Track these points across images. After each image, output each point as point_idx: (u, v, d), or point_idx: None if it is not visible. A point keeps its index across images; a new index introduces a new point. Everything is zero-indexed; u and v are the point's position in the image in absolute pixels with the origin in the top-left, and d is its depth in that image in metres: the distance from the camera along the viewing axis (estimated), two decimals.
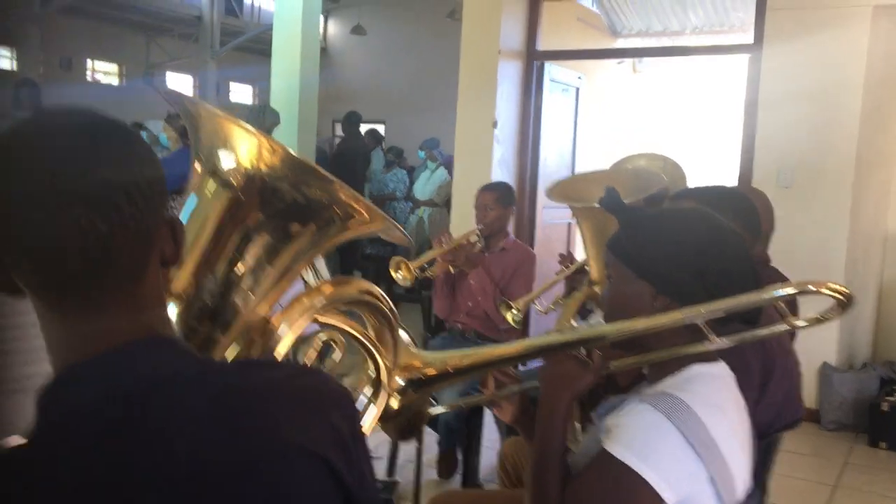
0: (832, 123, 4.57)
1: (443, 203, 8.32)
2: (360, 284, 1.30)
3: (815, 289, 1.31)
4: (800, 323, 1.36)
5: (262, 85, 14.67)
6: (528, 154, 5.61)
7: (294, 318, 1.21)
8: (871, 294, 5.09)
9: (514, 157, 5.59)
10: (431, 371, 1.49)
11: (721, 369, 1.43)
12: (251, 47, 14.52)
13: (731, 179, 5.06)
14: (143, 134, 8.08)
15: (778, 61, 4.69)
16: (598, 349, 1.51)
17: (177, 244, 0.91)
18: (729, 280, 1.37)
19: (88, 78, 14.47)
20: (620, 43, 6.81)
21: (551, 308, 3.53)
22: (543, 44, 5.67)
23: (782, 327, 1.38)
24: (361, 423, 0.97)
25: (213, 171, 1.14)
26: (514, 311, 3.41)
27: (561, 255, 3.35)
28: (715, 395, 1.37)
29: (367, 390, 1.37)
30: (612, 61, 6.85)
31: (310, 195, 1.16)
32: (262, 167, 1.12)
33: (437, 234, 7.99)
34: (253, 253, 1.15)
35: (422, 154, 8.52)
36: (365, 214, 1.20)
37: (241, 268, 1.15)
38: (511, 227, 3.88)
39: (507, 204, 3.79)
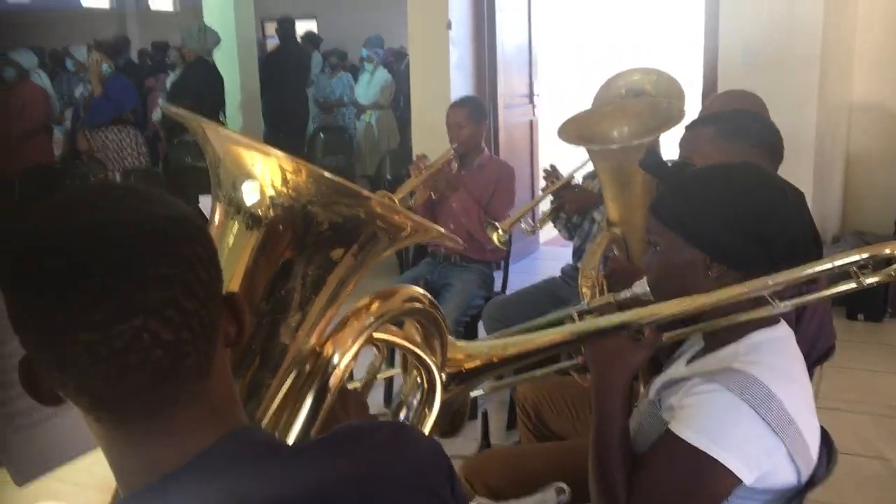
0: None
1: (388, 105, 8.09)
2: (405, 292, 1.20)
3: (890, 252, 1.23)
4: (870, 280, 1.29)
5: None
6: (484, 54, 5.39)
7: (346, 342, 1.11)
8: (839, 166, 5.11)
9: (471, 58, 5.37)
10: (474, 364, 1.41)
11: (783, 331, 1.37)
12: None
13: (696, 61, 4.94)
14: (69, 62, 7.61)
15: None
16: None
17: (240, 323, 0.80)
18: (794, 249, 1.29)
19: None
20: None
21: (538, 226, 3.47)
22: None
23: (850, 286, 1.31)
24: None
25: (239, 207, 1.00)
26: (500, 232, 3.33)
27: (545, 171, 3.25)
28: (784, 363, 1.31)
29: (417, 397, 1.29)
30: None
31: (346, 213, 1.03)
32: (291, 192, 0.99)
33: (386, 138, 7.86)
34: (296, 286, 1.04)
35: (365, 53, 8.18)
36: (407, 225, 1.08)
37: (285, 305, 1.04)
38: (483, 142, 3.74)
39: (480, 119, 3.64)
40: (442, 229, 1.12)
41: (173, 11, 15.38)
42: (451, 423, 1.44)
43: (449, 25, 5.11)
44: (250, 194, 0.99)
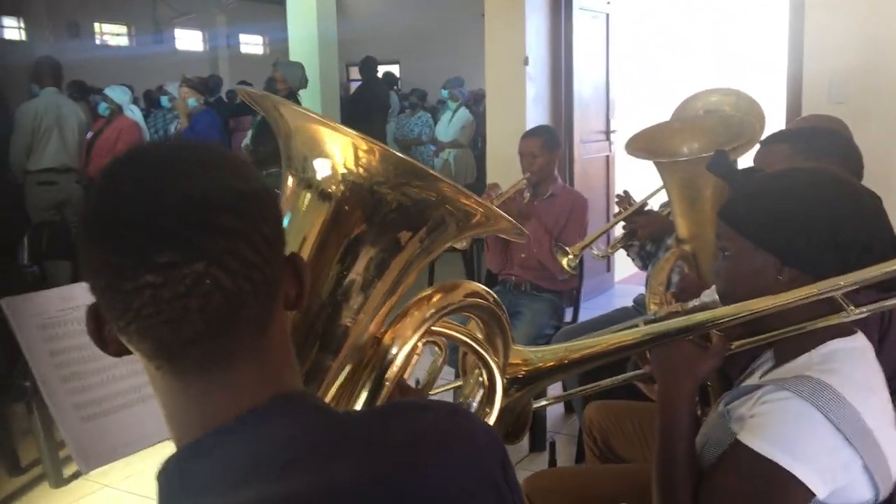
0: (886, 28, 4.31)
1: (468, 144, 8.18)
2: (467, 287, 1.19)
3: None
4: None
5: (272, 35, 14.44)
6: (561, 89, 5.41)
7: (406, 333, 1.11)
8: None
9: (548, 93, 5.39)
10: (536, 367, 1.39)
11: (861, 342, 1.32)
12: None
13: (779, 98, 4.83)
14: (165, 98, 7.95)
15: None
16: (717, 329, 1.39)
17: (301, 285, 0.81)
18: (870, 253, 1.24)
19: (98, 41, 14.24)
20: None
21: (609, 252, 3.43)
22: None
23: None
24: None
25: (309, 182, 1.02)
26: (570, 257, 3.29)
27: (618, 196, 3.21)
28: (861, 374, 1.26)
29: (479, 397, 1.28)
30: None
31: (416, 196, 1.03)
32: (362, 171, 1.01)
33: (464, 176, 7.94)
34: (360, 268, 1.05)
35: (445, 93, 8.32)
36: (477, 212, 1.08)
37: (348, 286, 1.05)
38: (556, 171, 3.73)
39: (553, 148, 3.64)
40: (512, 220, 1.11)
41: (262, 54, 15.99)
42: (514, 427, 1.42)
43: (526, 61, 5.15)
44: (321, 170, 1.01)
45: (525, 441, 3.48)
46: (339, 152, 1.00)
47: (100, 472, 1.64)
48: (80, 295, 0.73)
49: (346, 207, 1.01)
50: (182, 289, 0.69)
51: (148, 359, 0.74)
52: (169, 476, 0.75)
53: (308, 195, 1.03)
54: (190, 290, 0.69)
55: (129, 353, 0.76)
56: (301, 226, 1.03)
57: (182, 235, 0.69)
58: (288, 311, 0.81)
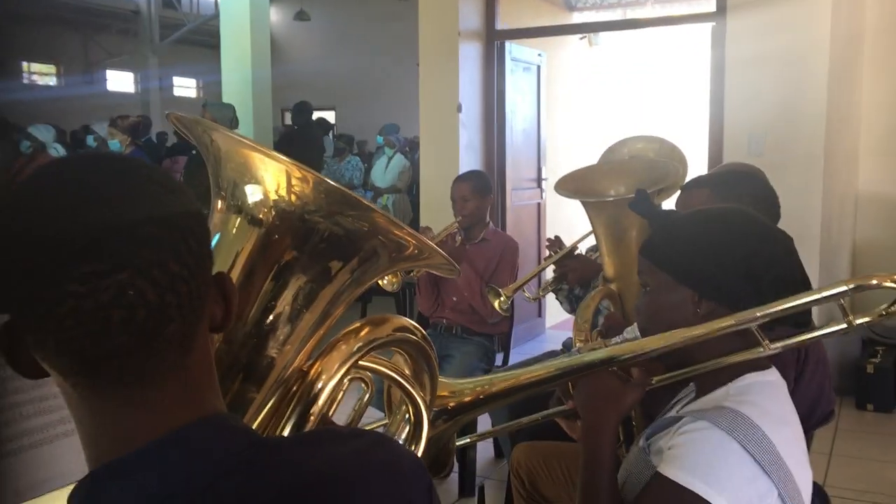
0: (800, 87, 4.54)
1: (405, 189, 8.23)
2: (395, 322, 1.19)
3: (877, 283, 1.24)
4: (861, 320, 1.29)
5: (206, 78, 14.38)
6: (494, 137, 5.51)
7: (332, 367, 1.10)
8: (846, 254, 5.12)
9: (481, 140, 5.49)
10: (461, 400, 1.39)
11: (775, 376, 1.36)
12: (192, 39, 14.17)
13: (701, 151, 5.02)
14: (91, 138, 7.82)
15: (742, 28, 4.64)
16: (638, 363, 1.42)
17: (228, 305, 0.80)
18: (782, 285, 1.29)
19: (25, 80, 13.94)
20: (576, 17, 6.73)
21: (540, 295, 3.47)
22: (501, 22, 5.56)
23: (840, 327, 1.30)
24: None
25: (239, 207, 1.01)
26: (503, 298, 3.32)
27: (549, 240, 3.27)
28: (775, 406, 1.30)
29: (404, 434, 1.27)
30: (572, 37, 6.76)
31: (348, 226, 1.02)
32: (293, 199, 1.00)
33: (401, 220, 7.98)
34: (288, 298, 1.03)
35: (380, 139, 8.38)
36: (411, 244, 1.08)
37: (275, 316, 1.04)
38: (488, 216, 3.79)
39: (485, 193, 3.69)
40: (444, 254, 1.11)
41: (195, 97, 15.88)
42: (436, 459, 1.41)
43: (459, 108, 5.24)
44: (251, 196, 0.99)
45: (454, 485, 3.46)
46: (270, 179, 0.98)
47: None
48: None
49: (276, 235, 1.00)
50: (105, 299, 0.67)
51: (64, 376, 0.71)
52: (81, 500, 0.72)
53: (237, 220, 1.01)
54: (113, 301, 0.67)
55: (45, 375, 0.73)
56: (228, 252, 1.01)
57: (106, 244, 0.67)
58: (213, 332, 0.79)
